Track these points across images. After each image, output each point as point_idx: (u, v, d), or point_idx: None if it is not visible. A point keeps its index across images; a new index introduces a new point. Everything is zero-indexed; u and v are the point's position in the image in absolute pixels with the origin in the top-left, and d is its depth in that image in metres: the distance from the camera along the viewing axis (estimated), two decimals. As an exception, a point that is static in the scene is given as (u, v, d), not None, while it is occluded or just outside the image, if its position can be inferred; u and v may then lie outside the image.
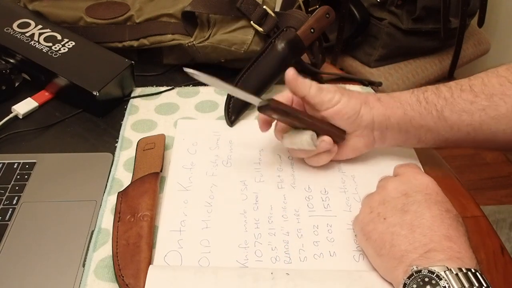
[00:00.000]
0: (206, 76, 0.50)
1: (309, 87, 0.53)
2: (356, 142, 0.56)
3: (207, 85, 0.72)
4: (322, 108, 0.53)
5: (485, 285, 0.38)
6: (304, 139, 0.53)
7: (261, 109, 0.52)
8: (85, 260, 0.47)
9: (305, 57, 0.74)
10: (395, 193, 0.46)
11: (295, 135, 0.54)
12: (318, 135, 0.54)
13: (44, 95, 0.68)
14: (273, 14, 0.70)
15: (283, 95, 0.56)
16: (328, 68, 0.79)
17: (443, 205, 0.44)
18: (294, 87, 0.53)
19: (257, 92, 0.67)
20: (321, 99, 0.53)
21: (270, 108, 0.51)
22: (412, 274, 0.39)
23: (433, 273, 0.38)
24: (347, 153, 0.57)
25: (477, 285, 0.37)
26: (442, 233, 0.41)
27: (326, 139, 0.54)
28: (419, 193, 0.45)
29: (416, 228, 0.42)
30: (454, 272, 0.38)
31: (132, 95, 0.70)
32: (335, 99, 0.53)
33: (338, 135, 0.55)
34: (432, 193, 0.45)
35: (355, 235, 0.49)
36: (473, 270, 0.38)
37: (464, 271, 0.38)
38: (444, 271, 0.38)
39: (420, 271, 0.39)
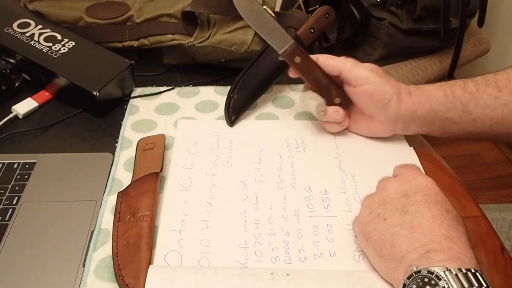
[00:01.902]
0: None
1: (344, 61, 0.54)
2: (376, 127, 0.58)
3: (207, 85, 0.72)
4: (357, 83, 0.54)
5: (485, 285, 0.38)
6: (312, 104, 0.58)
7: (283, 52, 0.56)
8: (85, 260, 0.47)
9: (305, 57, 0.74)
10: (395, 194, 0.46)
11: (309, 96, 0.58)
12: (330, 105, 0.58)
13: (44, 95, 0.68)
14: (273, 14, 0.70)
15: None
16: (328, 68, 0.79)
17: (443, 205, 0.44)
18: (328, 62, 0.55)
19: (257, 92, 0.67)
20: (356, 73, 0.54)
21: (292, 52, 0.56)
22: (411, 275, 0.39)
23: (432, 273, 0.38)
24: (365, 131, 0.60)
25: (476, 285, 0.37)
26: (442, 233, 0.41)
27: (339, 111, 0.57)
28: (419, 193, 0.45)
29: (416, 228, 0.42)
30: (454, 273, 0.38)
31: (132, 95, 0.70)
32: (370, 78, 0.54)
33: (338, 104, 0.58)
34: (432, 193, 0.45)
35: (355, 236, 0.49)
36: (473, 270, 0.38)
37: (464, 271, 0.38)
38: (444, 272, 0.38)
39: (419, 271, 0.39)
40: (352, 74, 0.55)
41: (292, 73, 0.60)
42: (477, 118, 0.54)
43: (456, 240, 0.41)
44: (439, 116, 0.55)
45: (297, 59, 0.57)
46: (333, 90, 0.59)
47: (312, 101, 0.58)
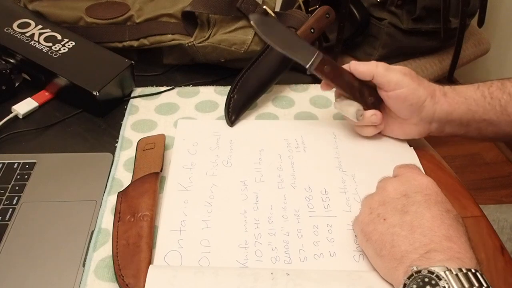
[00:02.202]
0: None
1: (376, 66, 0.55)
2: (410, 129, 0.57)
3: (207, 85, 0.72)
4: (389, 88, 0.54)
5: (485, 285, 0.38)
6: (351, 110, 0.57)
7: (312, 65, 0.56)
8: (85, 260, 0.47)
9: (305, 57, 0.74)
10: (395, 194, 0.46)
11: (345, 103, 0.58)
12: (367, 109, 0.57)
13: (44, 95, 0.68)
14: (273, 14, 0.70)
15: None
16: (328, 68, 0.79)
17: (443, 205, 0.44)
18: (359, 68, 0.55)
19: (257, 92, 0.67)
20: (389, 78, 0.54)
21: (320, 62, 0.56)
22: (412, 275, 0.39)
23: (432, 273, 0.38)
24: (398, 134, 0.59)
25: (477, 285, 0.37)
26: (442, 233, 0.41)
27: (377, 114, 0.57)
28: (419, 193, 0.45)
29: (416, 228, 0.42)
30: (454, 273, 0.38)
31: (132, 95, 0.70)
32: (403, 82, 0.54)
33: (371, 104, 0.57)
34: (432, 193, 0.45)
35: (355, 236, 0.49)
36: (473, 270, 0.38)
37: (464, 271, 0.38)
38: (444, 271, 0.38)
39: (420, 271, 0.39)
40: (384, 79, 0.55)
41: (325, 87, 0.59)
42: None
43: (456, 240, 0.41)
44: (476, 117, 0.54)
45: (327, 69, 0.56)
46: (365, 92, 0.58)
47: (350, 107, 0.57)
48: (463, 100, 0.54)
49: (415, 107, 0.54)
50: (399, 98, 0.54)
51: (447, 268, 0.38)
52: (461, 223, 0.44)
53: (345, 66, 0.58)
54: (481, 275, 0.38)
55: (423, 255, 0.40)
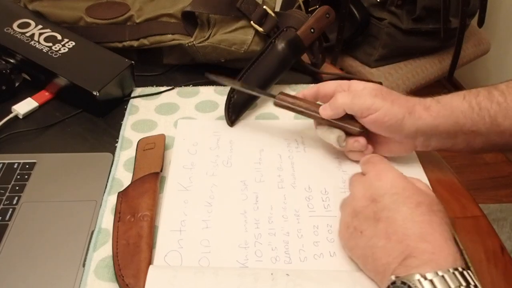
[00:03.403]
0: (229, 80, 0.58)
1: (341, 100, 0.53)
2: (395, 147, 0.55)
3: (207, 85, 0.72)
4: (363, 115, 0.52)
5: (464, 284, 0.37)
6: (332, 137, 0.56)
7: (275, 103, 0.59)
8: (85, 260, 0.47)
9: (305, 57, 0.75)
10: (363, 201, 0.45)
11: (326, 130, 0.56)
12: (349, 135, 0.56)
13: (44, 95, 0.68)
14: (273, 14, 0.70)
15: (310, 90, 0.58)
16: (328, 68, 0.79)
17: (412, 199, 0.43)
18: (328, 113, 0.54)
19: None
20: (359, 106, 0.52)
21: (275, 103, 0.58)
22: (388, 286, 0.39)
23: (405, 283, 0.37)
24: (384, 154, 0.56)
25: (452, 286, 0.37)
26: (416, 234, 0.40)
27: (360, 140, 0.55)
28: (386, 195, 0.44)
29: (392, 235, 0.41)
30: (429, 278, 0.37)
31: (132, 95, 0.70)
32: (375, 105, 0.51)
33: (354, 130, 0.55)
34: (398, 191, 0.44)
35: None
36: (451, 270, 0.37)
37: (440, 274, 0.37)
38: (418, 279, 0.37)
39: (394, 282, 0.38)
40: (355, 108, 0.52)
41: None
42: (506, 130, 0.51)
43: (430, 238, 0.40)
44: (464, 129, 0.52)
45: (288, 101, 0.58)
46: (349, 121, 0.55)
47: (331, 134, 0.56)
48: (449, 113, 0.52)
49: (395, 127, 0.52)
50: (376, 122, 0.52)
51: (421, 275, 0.37)
52: (435, 210, 0.43)
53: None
54: (461, 272, 0.38)
55: (401, 263, 0.40)
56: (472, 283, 0.37)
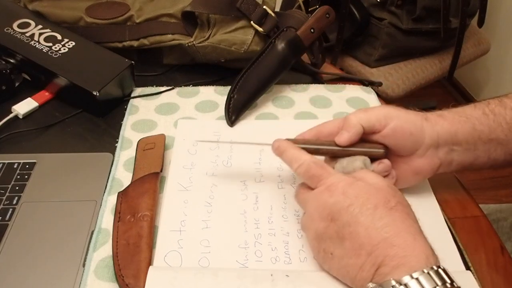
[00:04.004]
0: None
1: (356, 118, 0.48)
2: (419, 164, 0.50)
3: (207, 85, 0.72)
4: (381, 126, 0.48)
5: (439, 283, 0.36)
6: (357, 164, 0.49)
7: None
8: (85, 260, 0.47)
9: (305, 57, 0.75)
10: (323, 223, 0.43)
11: (348, 161, 0.50)
12: (372, 160, 0.50)
13: (44, 95, 0.68)
14: (273, 14, 0.70)
15: (310, 131, 0.52)
16: (328, 68, 0.79)
17: (368, 204, 0.41)
18: (345, 138, 0.49)
19: (257, 92, 0.67)
20: (375, 116, 0.48)
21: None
22: None
23: None
24: (409, 178, 0.51)
25: (429, 287, 0.36)
26: (381, 241, 0.39)
27: (385, 161, 0.50)
28: (341, 210, 0.42)
29: (359, 250, 0.40)
30: (404, 282, 0.36)
31: (132, 95, 0.70)
32: (391, 113, 0.48)
33: (378, 152, 0.50)
34: (352, 202, 0.42)
35: None
36: (425, 271, 0.37)
37: (415, 276, 0.36)
38: (393, 286, 0.37)
39: None
40: (373, 118, 0.48)
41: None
42: None
43: (398, 241, 0.39)
44: (482, 138, 0.49)
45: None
46: (366, 144, 0.50)
47: (355, 162, 0.49)
48: (465, 119, 0.49)
49: (416, 135, 0.48)
50: (396, 131, 0.48)
51: (396, 280, 0.37)
52: (393, 206, 0.41)
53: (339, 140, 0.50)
54: (436, 271, 0.37)
55: (375, 274, 0.39)
56: (448, 280, 0.37)
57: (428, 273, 0.37)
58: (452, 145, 0.50)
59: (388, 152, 0.50)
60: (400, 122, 0.48)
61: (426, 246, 0.39)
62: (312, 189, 0.46)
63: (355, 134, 0.49)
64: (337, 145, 0.49)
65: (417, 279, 0.36)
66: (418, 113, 0.50)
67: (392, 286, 0.37)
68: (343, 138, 0.49)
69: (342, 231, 0.42)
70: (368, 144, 0.50)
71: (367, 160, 0.49)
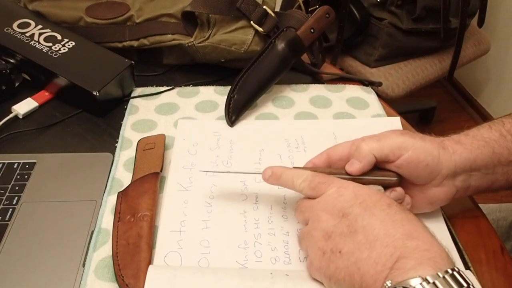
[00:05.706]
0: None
1: (368, 147, 0.46)
2: (434, 194, 0.48)
3: (207, 85, 0.72)
4: (394, 157, 0.46)
5: (465, 285, 0.35)
6: None
7: None
8: (85, 260, 0.47)
9: (305, 57, 0.75)
10: (333, 220, 0.42)
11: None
12: (385, 188, 0.48)
13: (44, 95, 0.68)
14: (273, 14, 0.70)
15: (320, 157, 0.50)
16: (328, 68, 0.79)
17: (382, 202, 0.41)
18: (357, 167, 0.47)
19: (257, 92, 0.67)
20: (389, 147, 0.46)
21: None
22: None
23: None
24: (423, 206, 0.50)
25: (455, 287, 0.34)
26: (400, 233, 0.38)
27: (398, 189, 0.47)
28: (354, 206, 0.41)
29: (374, 242, 0.38)
30: (431, 281, 0.34)
31: (132, 95, 0.70)
32: (406, 143, 0.46)
33: (391, 180, 0.48)
34: (364, 198, 0.41)
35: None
36: (449, 271, 0.35)
37: (441, 275, 0.34)
38: (420, 283, 0.34)
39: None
40: (386, 149, 0.46)
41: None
42: None
43: (416, 234, 0.38)
44: (501, 160, 0.48)
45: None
46: (378, 173, 0.48)
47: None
48: (484, 144, 0.47)
49: (432, 166, 0.46)
50: (411, 162, 0.46)
51: (422, 278, 0.34)
52: (404, 208, 0.41)
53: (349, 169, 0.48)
54: (459, 273, 0.35)
55: (394, 267, 0.36)
56: (471, 283, 0.35)
57: (453, 274, 0.35)
58: (470, 171, 0.48)
59: (402, 179, 0.48)
60: (415, 153, 0.46)
61: (443, 246, 0.38)
62: (317, 197, 0.44)
63: (367, 164, 0.46)
64: (348, 174, 0.47)
65: (444, 278, 0.34)
66: (434, 141, 0.47)
67: (420, 284, 0.34)
68: (355, 168, 0.47)
69: (354, 224, 0.40)
70: (381, 172, 0.48)
71: (381, 189, 0.47)
